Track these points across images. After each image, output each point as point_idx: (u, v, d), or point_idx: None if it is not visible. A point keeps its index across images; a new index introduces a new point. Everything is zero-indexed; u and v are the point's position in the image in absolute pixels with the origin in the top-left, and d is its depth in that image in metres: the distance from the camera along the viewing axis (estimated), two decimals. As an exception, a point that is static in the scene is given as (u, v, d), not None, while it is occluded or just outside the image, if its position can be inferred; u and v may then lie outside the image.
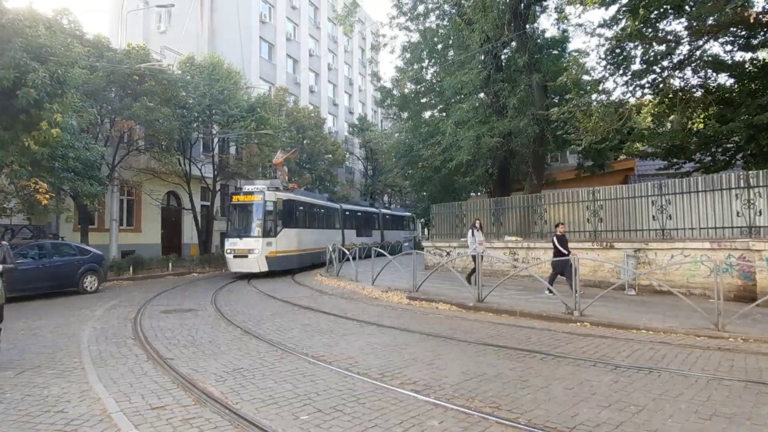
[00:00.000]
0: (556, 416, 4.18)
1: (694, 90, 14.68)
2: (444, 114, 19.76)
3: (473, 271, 11.99)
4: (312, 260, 21.11)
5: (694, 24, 11.88)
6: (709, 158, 15.51)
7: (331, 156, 33.96)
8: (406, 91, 21.15)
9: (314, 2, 40.24)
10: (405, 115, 22.83)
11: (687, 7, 11.83)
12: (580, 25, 21.81)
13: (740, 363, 5.84)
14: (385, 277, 14.07)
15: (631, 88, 13.89)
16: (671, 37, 12.80)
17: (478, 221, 12.99)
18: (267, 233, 17.73)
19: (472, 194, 26.05)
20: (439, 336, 7.57)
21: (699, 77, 14.72)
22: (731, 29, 12.46)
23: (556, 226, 11.47)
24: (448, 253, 17.30)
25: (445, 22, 19.32)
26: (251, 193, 18.07)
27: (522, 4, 15.88)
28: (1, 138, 12.10)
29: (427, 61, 20.15)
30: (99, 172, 16.78)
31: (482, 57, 16.97)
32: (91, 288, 13.79)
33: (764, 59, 14.19)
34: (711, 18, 11.21)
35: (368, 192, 42.55)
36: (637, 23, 11.33)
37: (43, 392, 5.00)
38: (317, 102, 39.18)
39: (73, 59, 13.23)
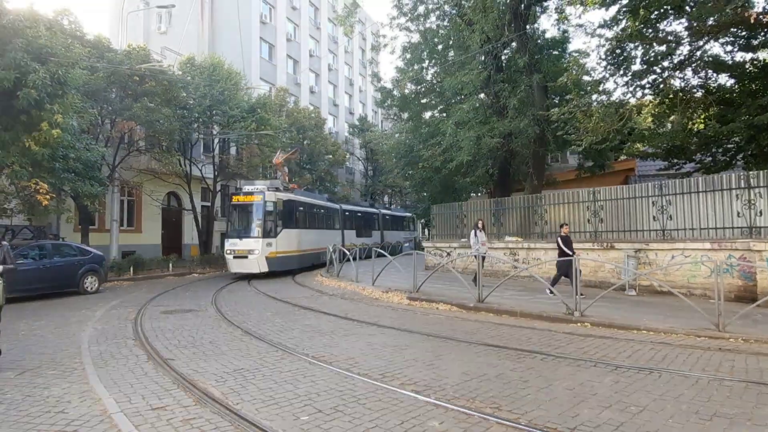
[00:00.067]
0: (557, 417, 4.17)
1: (695, 90, 14.68)
2: (444, 114, 19.76)
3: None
4: (312, 261, 21.10)
5: (695, 24, 11.88)
6: (710, 159, 15.51)
7: (331, 156, 33.97)
8: (407, 91, 21.17)
9: (314, 3, 40.27)
10: (405, 115, 22.84)
11: (687, 8, 11.83)
12: (581, 26, 21.88)
13: (741, 363, 5.83)
14: (385, 278, 14.06)
15: (631, 89, 13.91)
16: (671, 38, 12.80)
17: (480, 222, 12.97)
18: (267, 234, 17.70)
19: (473, 195, 26.05)
20: (440, 336, 7.57)
21: (699, 78, 14.73)
22: (731, 30, 12.46)
23: (561, 226, 11.40)
24: (448, 254, 17.30)
25: (445, 23, 19.33)
26: (251, 193, 18.04)
27: (522, 5, 15.89)
28: (1, 139, 12.11)
29: (427, 61, 20.16)
30: (99, 173, 16.78)
31: (482, 57, 16.97)
32: (91, 288, 13.79)
33: (765, 60, 14.19)
34: (711, 18, 11.20)
35: (368, 192, 42.55)
36: (637, 24, 11.34)
37: (43, 393, 5.00)
38: (317, 102, 39.20)
39: (74, 60, 13.25)
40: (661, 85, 13.74)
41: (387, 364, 5.90)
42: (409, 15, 19.10)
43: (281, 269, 18.24)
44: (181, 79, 20.71)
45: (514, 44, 16.85)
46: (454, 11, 18.30)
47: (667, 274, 11.20)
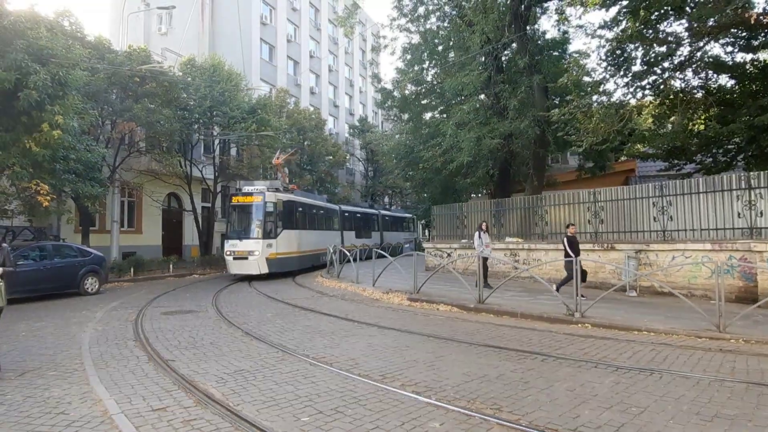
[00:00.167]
0: (558, 418, 4.17)
1: (695, 91, 14.70)
2: (444, 115, 19.77)
3: (485, 273, 12.05)
4: (311, 262, 21.07)
5: (695, 25, 11.88)
6: (710, 159, 15.52)
7: (331, 157, 33.98)
8: (407, 92, 21.19)
9: (315, 4, 40.31)
10: (405, 116, 22.85)
11: (687, 9, 11.83)
12: (581, 27, 21.78)
13: (742, 364, 5.83)
14: (385, 279, 14.06)
15: (631, 90, 13.92)
16: (672, 39, 12.81)
17: (484, 223, 12.93)
18: (267, 235, 17.63)
19: (473, 196, 26.06)
20: (440, 337, 7.56)
21: (700, 78, 14.75)
22: (732, 30, 12.47)
23: (567, 226, 11.28)
24: (448, 255, 17.29)
25: (445, 24, 19.36)
26: (251, 194, 17.98)
27: (522, 6, 15.90)
28: (2, 140, 12.12)
29: (427, 62, 20.18)
30: (100, 174, 16.79)
31: (483, 58, 16.98)
32: (92, 289, 13.79)
33: (765, 60, 14.21)
34: (711, 19, 11.21)
35: (369, 193, 42.55)
36: (637, 24, 11.34)
37: (44, 394, 5.00)
38: (318, 103, 39.22)
39: (75, 61, 13.26)
40: (662, 86, 13.75)
41: (387, 365, 5.90)
42: (410, 16, 19.13)
43: (281, 271, 18.18)
44: (182, 80, 20.73)
45: (514, 45, 16.86)
46: (454, 12, 18.33)
47: (668, 275, 11.19)
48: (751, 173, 10.96)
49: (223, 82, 21.81)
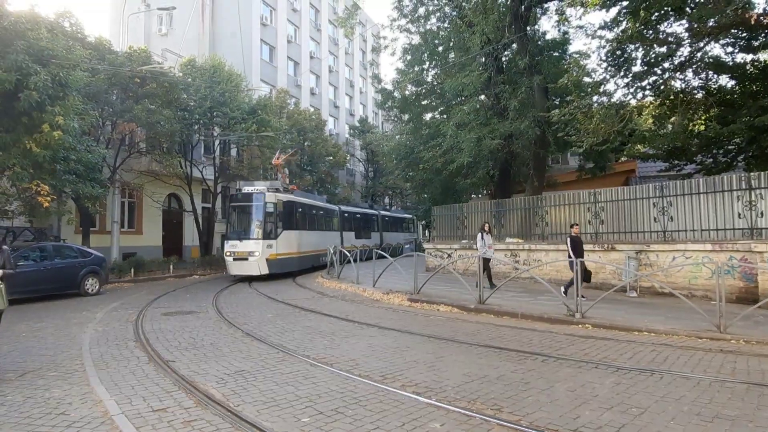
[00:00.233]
0: (558, 418, 4.17)
1: (695, 91, 14.70)
2: (445, 116, 19.77)
3: (489, 274, 12.07)
4: (311, 263, 21.04)
5: (695, 26, 11.89)
6: (711, 160, 15.52)
7: (332, 158, 33.98)
8: (407, 93, 21.20)
9: (315, 4, 40.34)
10: (406, 117, 22.87)
11: (687, 9, 11.84)
12: (581, 27, 21.79)
13: (742, 365, 5.83)
14: (386, 280, 14.05)
15: (632, 90, 13.92)
16: (672, 39, 12.81)
17: (486, 225, 12.92)
18: (267, 235, 17.57)
19: (473, 196, 26.06)
20: (441, 338, 7.56)
21: (700, 79, 14.75)
22: (732, 31, 12.47)
23: (571, 226, 11.24)
24: (449, 255, 17.29)
25: (445, 24, 19.37)
26: (251, 194, 17.94)
27: (522, 6, 15.91)
28: (2, 140, 12.13)
29: (427, 63, 20.20)
30: (100, 175, 16.81)
31: (483, 59, 16.99)
32: (92, 290, 13.80)
33: (765, 61, 14.21)
34: (712, 20, 11.21)
35: (369, 194, 42.56)
36: (637, 25, 11.35)
37: (44, 394, 5.00)
38: (318, 104, 39.24)
39: (75, 62, 13.27)
40: (662, 87, 13.75)
41: (388, 366, 5.90)
42: (410, 17, 19.14)
43: (281, 271, 18.13)
44: (182, 80, 20.75)
45: (514, 46, 16.87)
46: (454, 13, 18.34)
47: (668, 276, 11.19)
48: (752, 174, 10.96)
49: (223, 82, 21.82)
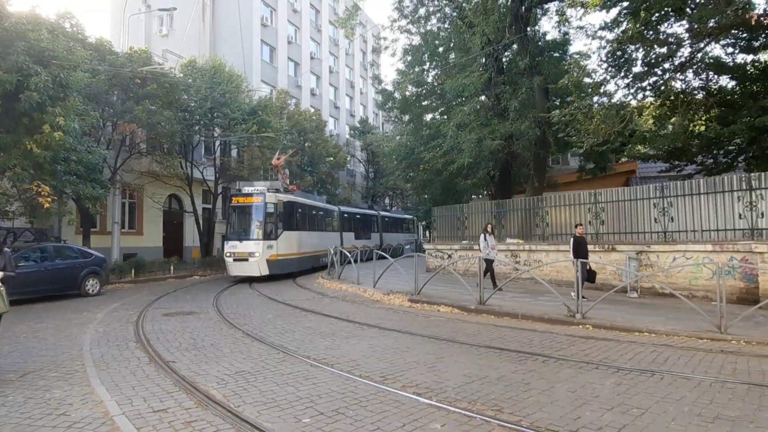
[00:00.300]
0: (559, 419, 4.17)
1: (696, 92, 14.69)
2: (445, 117, 19.78)
3: (492, 275, 12.08)
4: (312, 263, 21.02)
5: (695, 26, 11.89)
6: (711, 160, 15.51)
7: (332, 159, 34.00)
8: (408, 93, 21.21)
9: (315, 5, 40.36)
10: (406, 117, 22.88)
11: (688, 10, 11.85)
12: (581, 28, 21.91)
13: (743, 366, 5.82)
14: (386, 280, 14.05)
15: (632, 91, 13.94)
16: (672, 40, 12.81)
17: (489, 225, 12.93)
18: (268, 236, 17.52)
19: (474, 197, 26.06)
20: (441, 339, 7.56)
21: (700, 79, 14.75)
22: (732, 31, 12.47)
23: (576, 226, 11.22)
24: (449, 256, 17.29)
25: (446, 25, 19.37)
26: (251, 194, 17.89)
27: (523, 7, 15.92)
28: (3, 141, 12.15)
29: (428, 63, 20.20)
30: (101, 175, 16.83)
31: (483, 60, 16.99)
32: (92, 291, 13.80)
33: (766, 61, 14.20)
34: (712, 20, 11.22)
35: (369, 195, 42.57)
36: (638, 26, 11.35)
37: (45, 395, 5.00)
38: (318, 105, 39.26)
39: (76, 63, 13.29)
40: (662, 87, 13.76)
41: (388, 367, 5.89)
42: (410, 17, 19.15)
43: (282, 272, 18.09)
44: (183, 81, 20.77)
45: (515, 46, 16.88)
46: (454, 14, 18.35)
47: (669, 276, 11.18)
48: (752, 174, 10.95)
49: (223, 83, 21.84)
